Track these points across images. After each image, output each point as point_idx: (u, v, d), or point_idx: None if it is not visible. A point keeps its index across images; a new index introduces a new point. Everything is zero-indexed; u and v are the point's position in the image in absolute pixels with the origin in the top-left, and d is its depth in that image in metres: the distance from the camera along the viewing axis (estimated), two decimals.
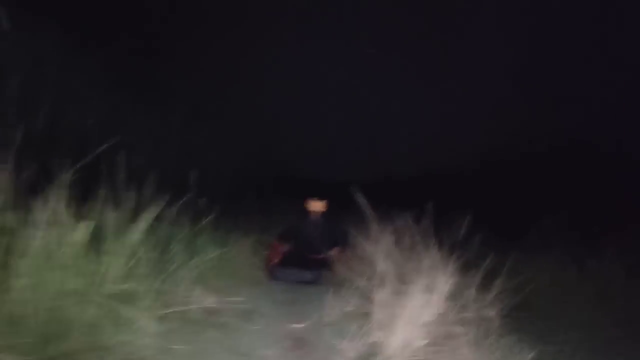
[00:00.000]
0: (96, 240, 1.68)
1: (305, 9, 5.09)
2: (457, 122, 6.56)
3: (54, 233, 1.44)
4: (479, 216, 2.81)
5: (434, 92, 6.16)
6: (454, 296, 2.07)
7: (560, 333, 2.48)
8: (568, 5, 4.57)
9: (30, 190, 1.54)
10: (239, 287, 2.99)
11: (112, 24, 4.55)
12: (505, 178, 6.56)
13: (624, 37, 4.44)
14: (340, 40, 5.59)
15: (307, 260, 4.10)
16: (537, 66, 5.31)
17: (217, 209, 3.27)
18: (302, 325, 2.40)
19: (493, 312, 2.05)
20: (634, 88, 4.38)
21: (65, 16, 4.01)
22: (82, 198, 1.69)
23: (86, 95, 4.69)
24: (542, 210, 4.48)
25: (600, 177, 4.93)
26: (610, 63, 4.70)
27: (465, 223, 2.30)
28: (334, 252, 4.02)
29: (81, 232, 1.48)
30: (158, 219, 2.25)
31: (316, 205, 4.30)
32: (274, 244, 4.26)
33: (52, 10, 3.77)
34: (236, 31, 5.55)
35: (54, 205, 1.52)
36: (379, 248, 2.51)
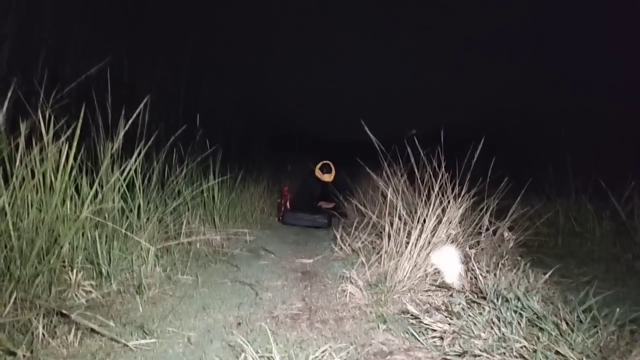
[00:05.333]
0: (89, 167, 1.60)
1: None
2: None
3: (42, 156, 1.35)
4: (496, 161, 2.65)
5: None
6: (466, 224, 1.96)
7: (576, 265, 2.37)
8: None
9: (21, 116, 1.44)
10: (247, 228, 2.94)
11: None
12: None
13: None
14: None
15: (318, 205, 4.09)
16: None
17: (225, 155, 3.17)
18: (311, 260, 2.35)
19: (506, 238, 1.94)
20: None
21: None
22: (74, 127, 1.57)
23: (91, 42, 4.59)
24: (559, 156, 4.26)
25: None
26: None
27: (476, 154, 2.12)
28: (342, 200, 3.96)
29: (68, 154, 1.38)
30: (160, 155, 2.17)
31: (326, 177, 4.23)
32: (284, 190, 4.22)
33: None
34: None
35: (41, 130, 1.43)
36: (391, 187, 2.40)
